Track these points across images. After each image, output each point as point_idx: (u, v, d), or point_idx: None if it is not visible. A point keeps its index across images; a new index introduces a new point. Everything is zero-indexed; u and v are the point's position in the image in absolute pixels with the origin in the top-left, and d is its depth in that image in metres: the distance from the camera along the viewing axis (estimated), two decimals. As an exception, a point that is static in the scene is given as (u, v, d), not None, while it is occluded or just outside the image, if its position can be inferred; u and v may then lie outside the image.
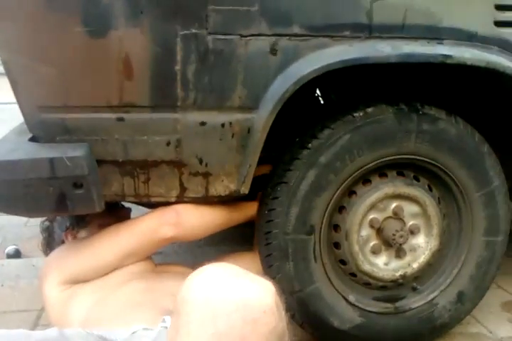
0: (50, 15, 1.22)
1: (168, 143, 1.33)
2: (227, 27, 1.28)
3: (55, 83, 1.26)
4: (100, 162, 1.31)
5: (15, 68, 1.25)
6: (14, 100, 1.29)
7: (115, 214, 1.61)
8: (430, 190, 1.66)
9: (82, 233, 1.62)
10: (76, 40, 1.23)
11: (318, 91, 2.10)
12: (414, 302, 1.70)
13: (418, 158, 1.57)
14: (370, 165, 1.53)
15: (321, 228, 1.55)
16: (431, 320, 1.71)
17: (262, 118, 1.35)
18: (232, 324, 0.92)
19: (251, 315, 0.93)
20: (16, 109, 1.32)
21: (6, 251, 2.36)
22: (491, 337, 1.83)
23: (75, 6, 1.22)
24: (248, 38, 1.30)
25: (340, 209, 1.59)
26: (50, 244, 1.70)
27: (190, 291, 0.96)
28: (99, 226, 1.58)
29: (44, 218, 1.74)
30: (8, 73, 1.24)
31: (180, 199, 1.40)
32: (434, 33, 1.41)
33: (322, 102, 2.14)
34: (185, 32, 1.26)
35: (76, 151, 1.26)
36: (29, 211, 1.34)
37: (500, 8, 1.43)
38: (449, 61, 1.39)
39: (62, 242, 1.65)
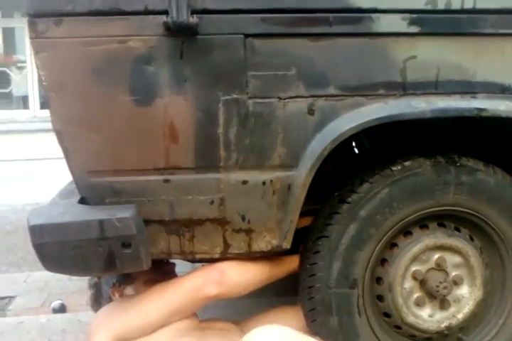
0: (98, 86, 1.30)
1: (212, 202, 1.37)
2: (266, 91, 1.34)
3: (104, 149, 1.33)
4: (147, 221, 1.36)
5: (67, 137, 1.32)
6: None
7: (160, 269, 1.64)
8: (472, 240, 1.65)
9: (129, 289, 1.66)
10: (124, 108, 1.31)
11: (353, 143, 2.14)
12: (461, 355, 1.67)
13: (458, 209, 1.57)
14: (411, 217, 1.54)
15: (363, 281, 1.55)
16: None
17: (302, 175, 1.39)
18: None
19: None
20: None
21: (52, 305, 2.39)
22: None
23: (122, 76, 1.30)
24: (286, 100, 1.35)
25: (383, 261, 1.59)
26: (97, 299, 1.74)
27: None
28: (145, 283, 1.61)
29: (91, 274, 1.78)
30: (61, 141, 1.32)
31: (223, 256, 1.43)
32: (468, 87, 1.44)
33: (357, 152, 2.17)
34: (227, 97, 1.32)
35: (124, 212, 1.31)
36: (79, 271, 1.38)
37: (531, 61, 1.46)
38: (483, 114, 1.42)
39: (110, 298, 1.68)
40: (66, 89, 1.30)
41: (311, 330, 1.58)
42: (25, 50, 5.52)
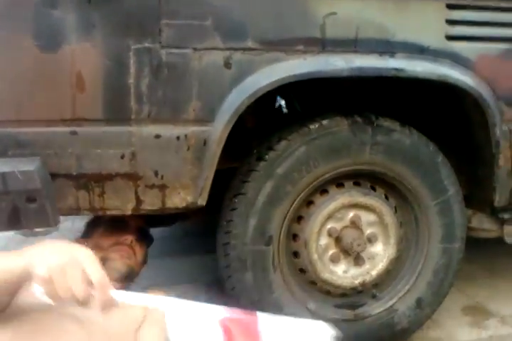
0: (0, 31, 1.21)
1: (122, 156, 1.32)
2: (180, 41, 1.29)
3: (6, 97, 1.25)
4: (54, 176, 1.30)
5: None
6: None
7: None
8: (387, 199, 1.69)
9: None
10: (27, 54, 1.23)
11: (282, 102, 2.11)
12: (374, 309, 1.73)
13: (374, 168, 1.60)
14: (327, 175, 1.55)
15: (279, 238, 1.56)
16: (391, 326, 1.73)
17: (218, 130, 1.36)
18: None
19: None
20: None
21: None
22: (451, 341, 1.86)
23: (26, 20, 1.21)
24: (202, 51, 1.31)
25: (299, 218, 1.61)
26: None
27: None
28: None
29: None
30: None
31: (136, 212, 1.39)
32: (387, 47, 1.43)
33: (286, 112, 2.16)
34: (138, 46, 1.26)
35: (28, 165, 1.24)
36: (-19, 225, 1.32)
37: (451, 22, 1.47)
38: (400, 74, 1.42)
39: None
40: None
41: (227, 287, 1.59)
42: None
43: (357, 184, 1.65)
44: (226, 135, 1.37)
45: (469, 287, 2.22)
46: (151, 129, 1.33)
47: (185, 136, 1.35)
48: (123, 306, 1.37)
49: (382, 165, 1.59)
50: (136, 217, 1.65)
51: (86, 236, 1.64)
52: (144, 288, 1.67)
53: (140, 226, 1.69)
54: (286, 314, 1.59)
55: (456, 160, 1.72)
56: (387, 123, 1.55)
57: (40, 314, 1.03)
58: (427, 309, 1.78)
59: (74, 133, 1.29)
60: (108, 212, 1.37)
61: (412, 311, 1.75)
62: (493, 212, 1.82)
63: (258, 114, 1.71)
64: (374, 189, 1.67)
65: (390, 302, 1.74)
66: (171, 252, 2.47)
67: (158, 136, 1.33)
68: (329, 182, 1.60)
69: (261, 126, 1.78)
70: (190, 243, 2.63)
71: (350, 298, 1.73)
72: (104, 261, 1.53)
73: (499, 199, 1.71)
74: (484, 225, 1.87)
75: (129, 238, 1.63)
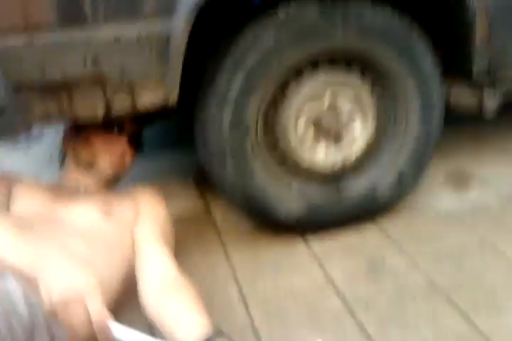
0: None
1: (84, 62, 1.28)
2: None
3: None
4: (18, 88, 1.27)
5: None
6: None
7: None
8: (364, 79, 1.66)
9: None
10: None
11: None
12: (357, 187, 1.77)
13: (348, 49, 1.55)
14: (300, 61, 1.51)
15: (256, 126, 1.57)
16: (374, 203, 1.79)
17: (180, 26, 1.30)
18: None
19: None
20: None
21: None
22: (434, 209, 1.90)
23: None
24: None
25: (276, 106, 1.60)
26: None
27: None
28: None
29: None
30: None
31: (108, 117, 1.38)
32: None
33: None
34: None
35: (-12, 80, 1.22)
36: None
37: None
38: None
39: None
40: None
41: (210, 176, 1.63)
42: None
43: (333, 65, 1.60)
44: (188, 30, 1.31)
45: (453, 153, 2.23)
46: (111, 31, 1.27)
47: (146, 34, 1.29)
48: (116, 206, 1.42)
49: (356, 45, 1.54)
50: (134, 121, 1.64)
51: (77, 128, 1.61)
52: (134, 186, 1.72)
53: (136, 131, 1.66)
54: (270, 199, 1.65)
55: (432, 36, 1.66)
56: (357, 2, 1.48)
57: None
58: (408, 182, 1.82)
59: (31, 42, 1.23)
60: (80, 120, 1.37)
61: (394, 186, 1.79)
62: (472, 85, 1.81)
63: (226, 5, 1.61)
64: (350, 70, 1.62)
65: (372, 180, 1.77)
66: (159, 150, 2.47)
67: (118, 38, 1.28)
68: (304, 65, 1.55)
69: (229, 18, 1.69)
70: (176, 141, 2.63)
71: (332, 179, 1.76)
72: (91, 164, 1.54)
73: (477, 70, 1.69)
74: (463, 101, 1.86)
75: (123, 142, 1.59)
